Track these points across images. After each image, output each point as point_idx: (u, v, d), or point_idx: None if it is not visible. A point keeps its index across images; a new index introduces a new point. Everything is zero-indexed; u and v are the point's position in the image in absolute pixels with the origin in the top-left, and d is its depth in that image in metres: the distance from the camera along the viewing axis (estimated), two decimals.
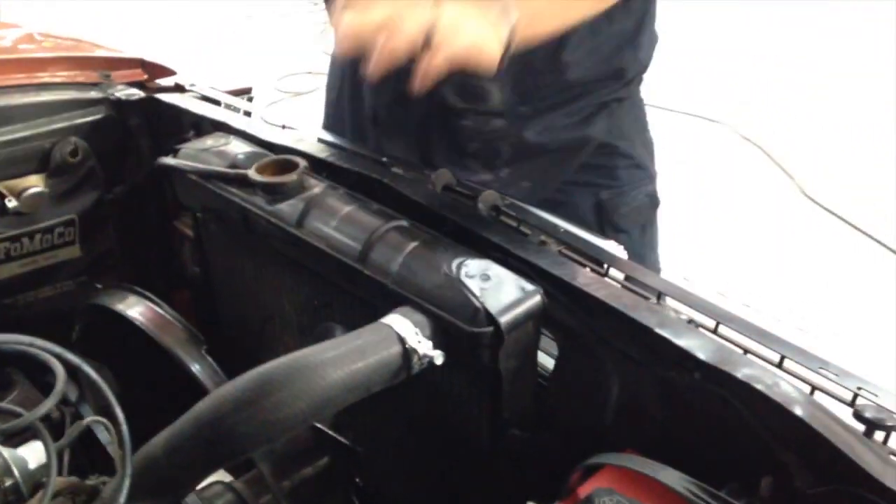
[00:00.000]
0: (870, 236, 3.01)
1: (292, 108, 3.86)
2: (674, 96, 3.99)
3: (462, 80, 1.12)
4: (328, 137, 1.15)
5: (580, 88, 1.18)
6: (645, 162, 1.29)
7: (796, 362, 0.73)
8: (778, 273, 2.90)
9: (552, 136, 1.20)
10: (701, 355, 0.70)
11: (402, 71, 0.83)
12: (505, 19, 0.86)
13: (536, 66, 1.14)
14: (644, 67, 1.24)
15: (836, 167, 3.48)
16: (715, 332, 0.76)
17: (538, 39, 0.96)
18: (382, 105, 1.25)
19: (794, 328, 2.50)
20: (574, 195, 1.23)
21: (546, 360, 0.85)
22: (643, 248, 1.30)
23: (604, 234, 1.09)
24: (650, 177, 1.30)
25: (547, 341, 0.83)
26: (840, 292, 2.80)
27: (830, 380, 0.72)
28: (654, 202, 1.31)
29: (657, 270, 1.29)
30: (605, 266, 0.86)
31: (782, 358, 0.74)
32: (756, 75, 4.55)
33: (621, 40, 1.18)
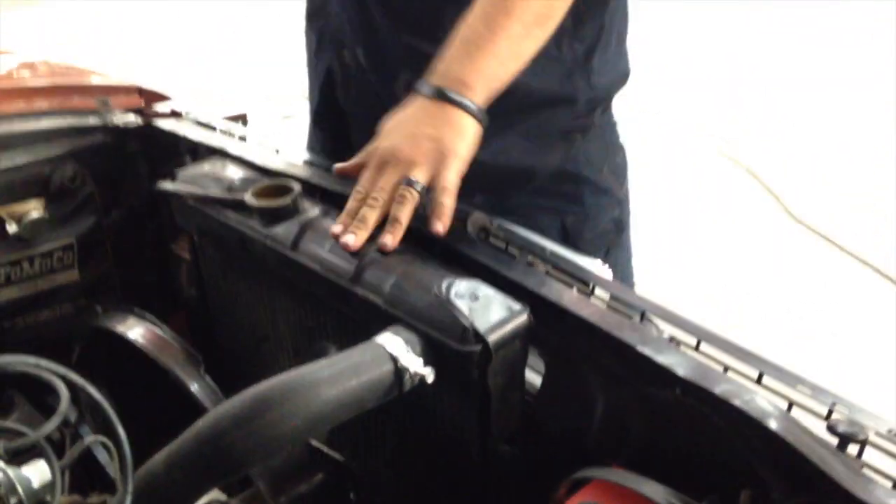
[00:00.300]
0: (860, 258, 3.05)
1: (285, 128, 3.89)
2: (663, 118, 4.05)
3: None
4: (321, 161, 1.18)
5: (531, 110, 1.20)
6: (611, 187, 1.31)
7: (774, 378, 0.76)
8: (764, 291, 2.93)
9: (506, 158, 1.21)
10: (681, 372, 0.73)
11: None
12: (451, 156, 0.94)
13: None
14: (603, 95, 1.25)
15: (823, 188, 3.52)
16: (696, 349, 0.79)
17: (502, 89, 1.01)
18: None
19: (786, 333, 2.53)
20: (539, 218, 1.24)
21: (533, 378, 0.87)
22: None
23: None
24: (617, 202, 1.32)
25: (534, 359, 0.86)
26: (827, 311, 2.83)
27: (806, 395, 0.75)
28: (619, 227, 1.33)
29: None
30: (591, 286, 0.89)
31: (760, 374, 0.77)
32: (746, 94, 4.62)
33: (571, 65, 1.20)
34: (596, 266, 0.96)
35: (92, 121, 1.24)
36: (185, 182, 1.02)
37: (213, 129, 1.27)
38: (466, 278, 0.82)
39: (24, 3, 5.69)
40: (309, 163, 1.15)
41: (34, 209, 1.15)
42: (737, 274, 3.03)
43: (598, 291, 0.89)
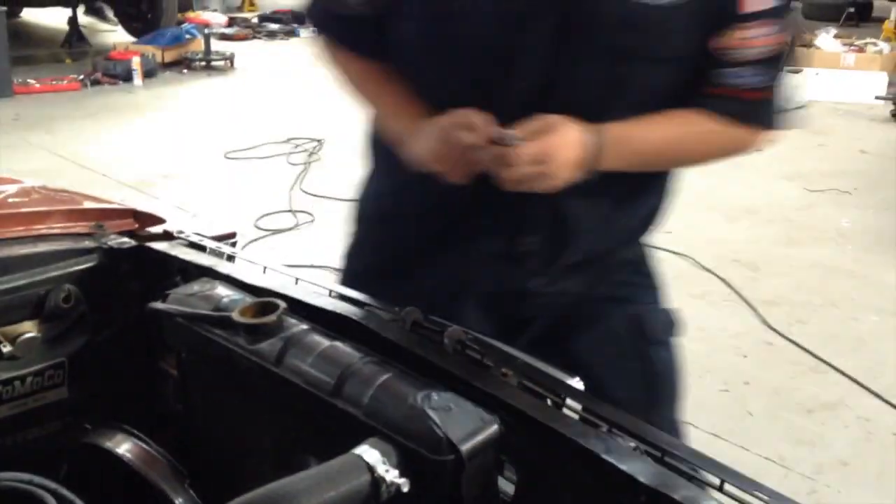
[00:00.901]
0: (833, 366, 3.10)
1: (272, 245, 3.97)
2: None
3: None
4: (306, 279, 1.23)
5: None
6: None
7: (735, 486, 0.80)
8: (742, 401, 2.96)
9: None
10: (644, 479, 0.77)
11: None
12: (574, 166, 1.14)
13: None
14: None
15: (801, 304, 3.60)
16: (661, 460, 0.83)
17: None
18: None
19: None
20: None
21: (507, 486, 0.91)
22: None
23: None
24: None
25: (507, 466, 0.90)
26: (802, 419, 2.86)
27: (766, 502, 0.79)
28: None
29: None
30: (562, 396, 0.93)
31: (722, 482, 0.81)
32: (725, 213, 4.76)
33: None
34: (567, 377, 1.01)
35: (87, 244, 1.30)
36: (176, 302, 1.07)
37: (203, 249, 1.33)
38: (441, 390, 0.87)
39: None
40: (294, 280, 1.21)
41: (28, 330, 1.19)
42: (713, 379, 3.06)
43: (569, 402, 0.94)
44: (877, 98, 6.51)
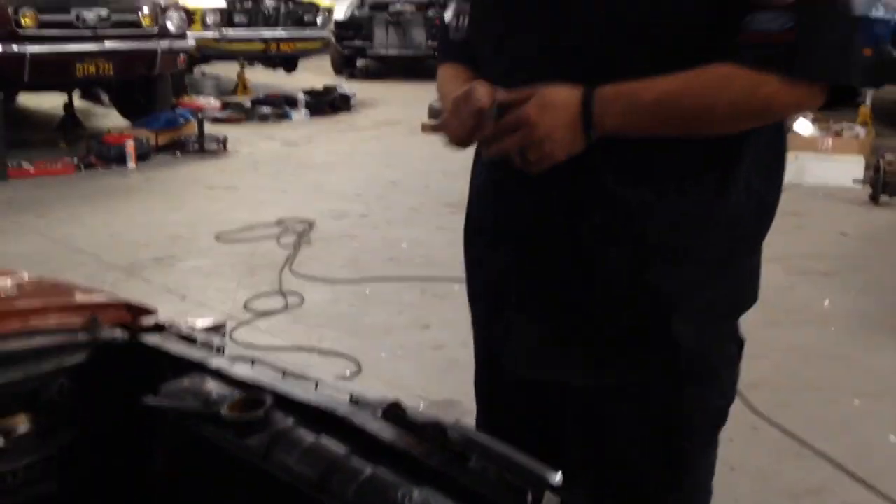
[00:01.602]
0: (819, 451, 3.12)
1: (263, 326, 4.00)
2: None
3: None
4: (294, 369, 1.27)
5: None
6: None
7: None
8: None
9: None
10: None
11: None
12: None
13: None
14: None
15: (787, 387, 3.64)
16: None
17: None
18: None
19: None
20: None
21: None
22: None
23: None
24: None
25: None
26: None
27: None
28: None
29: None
30: (541, 491, 0.96)
31: None
32: None
33: None
34: (547, 472, 1.04)
35: (81, 338, 1.34)
36: (167, 397, 1.11)
37: (194, 341, 1.37)
38: (422, 486, 0.90)
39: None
40: (283, 372, 1.25)
41: (21, 423, 1.22)
42: None
43: (549, 496, 0.97)
44: (854, 181, 6.68)
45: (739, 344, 1.40)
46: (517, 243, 1.33)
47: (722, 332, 1.34)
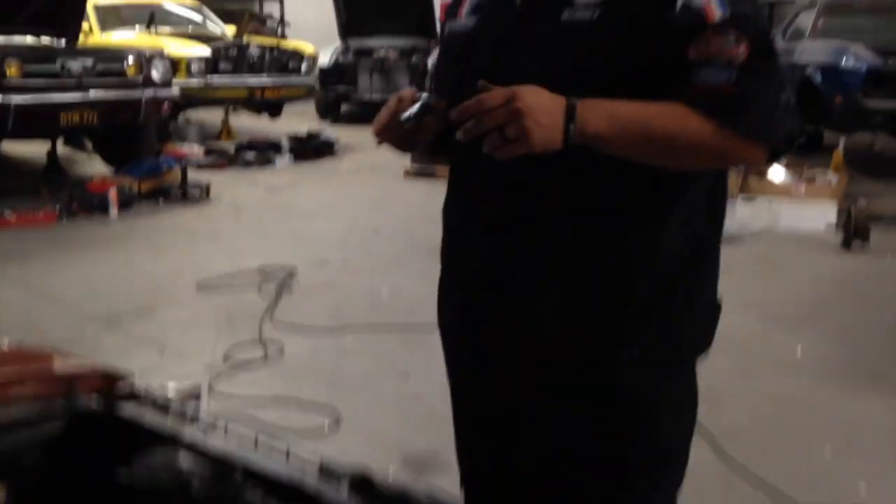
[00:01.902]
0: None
1: (242, 377, 4.01)
2: None
3: None
4: (266, 434, 1.31)
5: None
6: None
7: None
8: None
9: None
10: None
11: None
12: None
13: None
14: None
15: (756, 429, 3.68)
16: None
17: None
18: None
19: None
20: None
21: None
22: None
23: None
24: None
25: None
26: None
27: None
28: None
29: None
30: None
31: None
32: None
33: None
34: None
35: (57, 407, 1.38)
36: (140, 471, 1.15)
37: (167, 409, 1.40)
38: None
39: None
40: (255, 440, 1.28)
41: None
42: None
43: None
44: (827, 227, 6.80)
45: (692, 391, 1.46)
46: (461, 293, 1.50)
47: (663, 377, 1.39)
